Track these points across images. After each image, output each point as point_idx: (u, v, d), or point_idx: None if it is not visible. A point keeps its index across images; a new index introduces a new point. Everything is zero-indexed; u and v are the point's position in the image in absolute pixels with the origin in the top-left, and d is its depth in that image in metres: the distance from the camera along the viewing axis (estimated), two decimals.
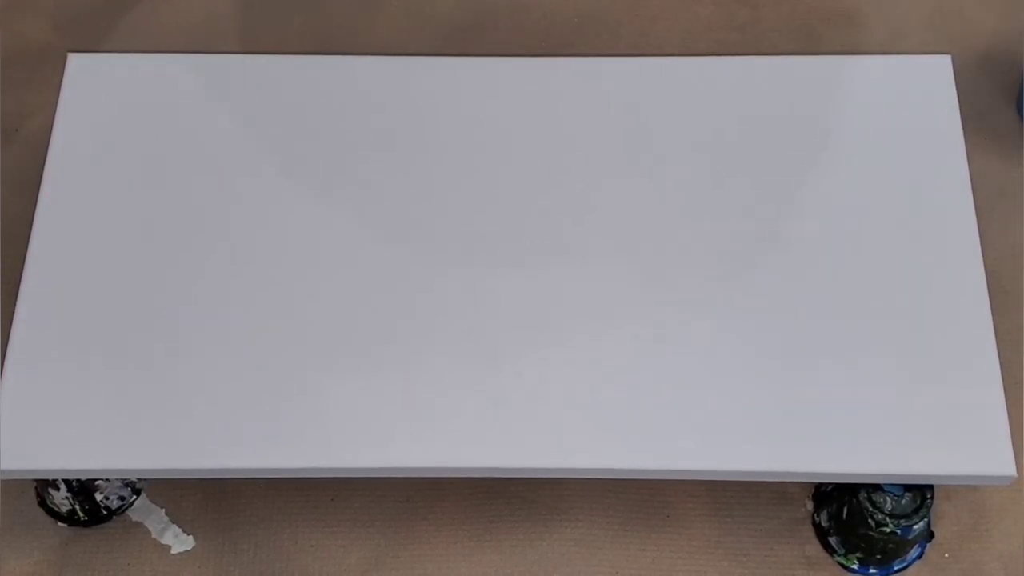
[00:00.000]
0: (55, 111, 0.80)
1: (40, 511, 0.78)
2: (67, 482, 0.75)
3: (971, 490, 0.78)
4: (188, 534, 0.78)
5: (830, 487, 0.77)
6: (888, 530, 0.72)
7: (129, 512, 0.78)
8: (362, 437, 0.70)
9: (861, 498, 0.72)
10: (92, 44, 0.95)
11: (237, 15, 0.96)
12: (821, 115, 0.79)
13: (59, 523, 0.78)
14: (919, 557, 0.76)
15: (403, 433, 0.70)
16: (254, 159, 0.78)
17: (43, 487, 0.76)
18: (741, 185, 0.77)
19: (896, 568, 0.76)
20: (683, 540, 0.77)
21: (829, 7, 0.96)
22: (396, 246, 0.75)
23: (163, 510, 0.78)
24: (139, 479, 0.78)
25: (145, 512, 0.78)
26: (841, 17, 0.95)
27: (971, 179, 0.77)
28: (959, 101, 0.79)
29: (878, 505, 0.72)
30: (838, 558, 0.76)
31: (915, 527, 0.72)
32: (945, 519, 0.77)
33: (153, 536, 0.78)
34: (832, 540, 0.77)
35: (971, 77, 0.92)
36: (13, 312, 0.73)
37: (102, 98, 0.80)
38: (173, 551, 0.77)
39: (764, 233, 0.75)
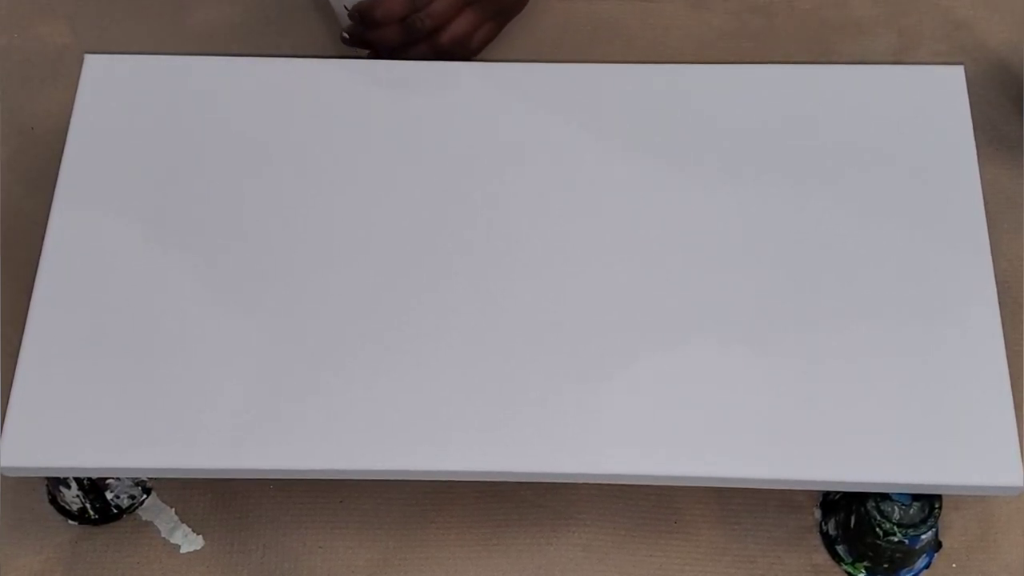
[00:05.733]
0: (71, 111, 0.80)
1: (51, 509, 0.78)
2: (78, 480, 0.75)
3: (979, 500, 0.78)
4: (197, 534, 0.78)
5: (838, 495, 0.77)
6: (896, 539, 0.72)
7: (139, 511, 0.79)
8: (372, 440, 0.70)
9: (869, 507, 0.72)
10: (109, 46, 0.95)
11: (253, 18, 0.97)
12: (833, 123, 0.79)
13: (69, 521, 0.78)
14: (926, 567, 0.76)
15: (412, 436, 0.70)
16: (269, 161, 0.79)
17: (54, 485, 0.77)
18: (752, 192, 0.77)
19: None
20: (691, 546, 0.77)
21: (842, 17, 0.96)
22: (409, 250, 0.76)
23: (173, 509, 0.79)
24: (150, 478, 0.79)
25: (155, 511, 0.79)
26: (854, 27, 0.95)
27: (982, 189, 0.77)
28: (970, 111, 0.79)
29: (886, 514, 0.72)
30: (845, 567, 0.76)
31: (923, 537, 0.72)
32: (953, 529, 0.77)
33: (163, 535, 0.78)
34: (839, 548, 0.77)
35: (982, 87, 0.92)
36: (26, 310, 0.74)
37: (118, 99, 0.81)
38: (182, 550, 0.78)
39: (773, 241, 0.76)
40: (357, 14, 0.85)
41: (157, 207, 0.77)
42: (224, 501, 0.79)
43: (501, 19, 0.90)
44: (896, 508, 0.72)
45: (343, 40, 0.87)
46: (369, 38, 0.86)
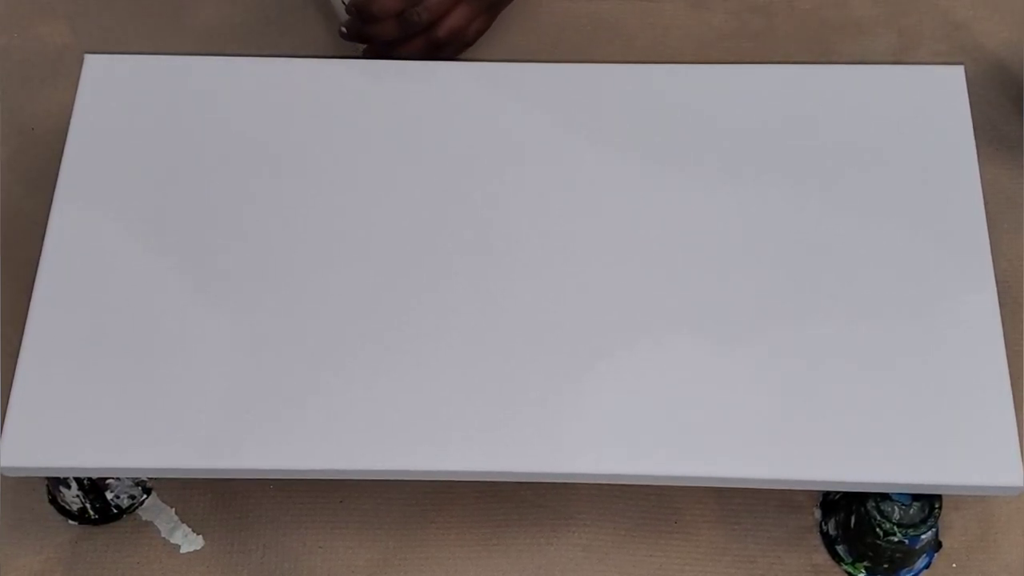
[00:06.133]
0: (71, 111, 0.80)
1: (51, 508, 0.78)
2: (78, 480, 0.75)
3: (979, 500, 0.78)
4: (197, 534, 0.78)
5: (838, 495, 0.77)
6: (896, 539, 0.72)
7: (139, 511, 0.79)
8: (372, 440, 0.70)
9: (869, 507, 0.72)
10: (109, 46, 0.95)
11: (253, 18, 0.97)
12: (833, 123, 0.79)
13: (70, 521, 0.78)
14: (926, 567, 0.76)
15: (412, 436, 0.70)
16: (269, 161, 0.79)
17: (54, 485, 0.77)
18: (752, 192, 0.77)
19: None
20: (691, 546, 0.77)
21: (842, 17, 0.96)
22: (408, 250, 0.76)
23: (173, 509, 0.79)
24: (150, 478, 0.79)
25: (155, 511, 0.79)
26: (854, 27, 0.96)
27: (982, 189, 0.77)
28: (970, 111, 0.79)
29: (886, 514, 0.72)
30: (845, 567, 0.76)
31: (923, 537, 0.72)
32: (953, 529, 0.77)
33: (163, 535, 0.78)
34: (839, 548, 0.77)
35: (982, 87, 0.92)
36: (26, 310, 0.74)
37: (118, 98, 0.81)
38: (182, 550, 0.78)
39: (773, 241, 0.76)
40: (354, 9, 0.85)
41: (157, 207, 0.77)
42: (224, 501, 0.79)
43: (494, 11, 0.91)
44: (896, 508, 0.72)
45: (341, 35, 0.88)
46: (367, 32, 0.87)
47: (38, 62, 0.95)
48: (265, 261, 0.75)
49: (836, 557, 0.77)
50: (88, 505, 0.77)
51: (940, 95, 0.80)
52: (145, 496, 0.79)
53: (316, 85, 0.82)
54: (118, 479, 0.77)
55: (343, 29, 0.88)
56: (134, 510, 0.79)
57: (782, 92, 0.81)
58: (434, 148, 0.79)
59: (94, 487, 0.76)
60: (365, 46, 0.89)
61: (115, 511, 0.78)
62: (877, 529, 0.72)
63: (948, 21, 0.96)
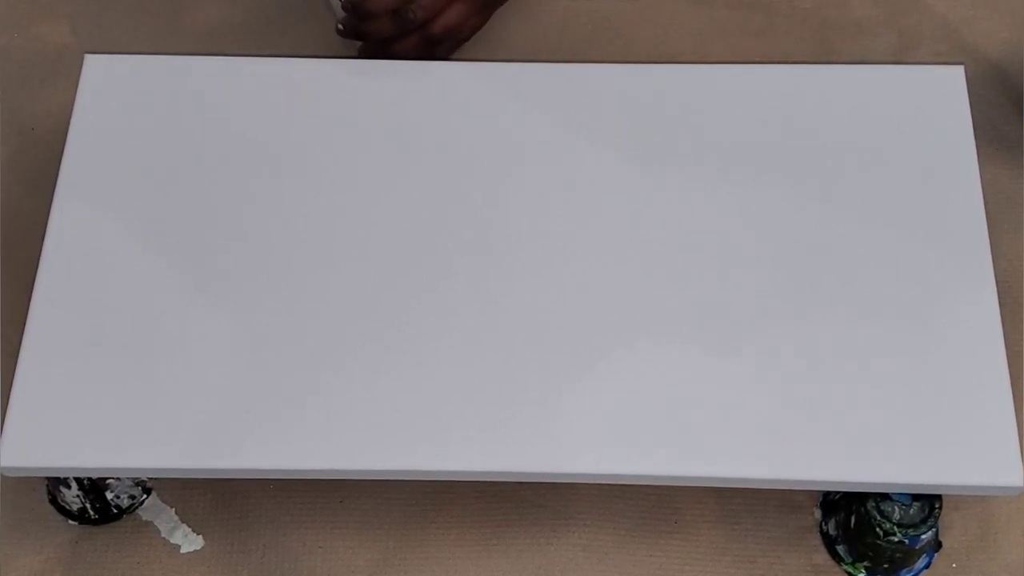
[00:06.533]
0: (71, 111, 0.80)
1: (51, 508, 0.78)
2: (78, 480, 0.75)
3: (979, 500, 0.78)
4: (197, 534, 0.78)
5: (838, 495, 0.77)
6: (896, 539, 0.72)
7: (139, 511, 0.79)
8: (372, 440, 0.70)
9: (869, 507, 0.72)
10: (109, 46, 0.95)
11: (253, 18, 0.97)
12: (833, 123, 0.79)
13: (70, 521, 0.78)
14: (926, 567, 0.76)
15: (412, 436, 0.70)
16: (269, 161, 0.79)
17: (54, 485, 0.77)
18: (752, 192, 0.77)
19: None
20: (691, 546, 0.77)
21: (842, 17, 0.96)
22: (408, 250, 0.76)
23: (173, 509, 0.79)
24: (150, 478, 0.79)
25: (155, 511, 0.79)
26: (854, 27, 0.96)
27: (982, 189, 0.77)
28: (970, 111, 0.79)
29: (886, 514, 0.72)
30: (845, 567, 0.76)
31: (923, 537, 0.72)
32: (953, 529, 0.78)
33: (163, 535, 0.78)
34: (839, 548, 0.77)
35: (982, 87, 0.92)
36: (26, 310, 0.74)
37: (118, 98, 0.81)
38: (182, 550, 0.78)
39: (773, 241, 0.76)
40: (351, 6, 0.86)
41: (157, 207, 0.77)
42: (224, 501, 0.79)
43: (490, 8, 0.92)
44: (896, 508, 0.72)
45: (338, 31, 0.88)
46: (362, 29, 0.87)
47: (38, 62, 0.95)
48: (265, 261, 0.75)
49: (836, 557, 0.77)
50: (88, 505, 0.77)
51: (940, 95, 0.80)
52: (145, 496, 0.79)
53: (316, 85, 0.82)
54: (118, 479, 0.77)
55: (339, 26, 0.88)
56: (134, 510, 0.79)
57: (782, 92, 0.81)
58: (434, 148, 0.79)
59: (94, 487, 0.76)
60: (361, 43, 0.89)
61: (115, 511, 0.78)
62: (877, 529, 0.72)
63: (948, 21, 0.96)
